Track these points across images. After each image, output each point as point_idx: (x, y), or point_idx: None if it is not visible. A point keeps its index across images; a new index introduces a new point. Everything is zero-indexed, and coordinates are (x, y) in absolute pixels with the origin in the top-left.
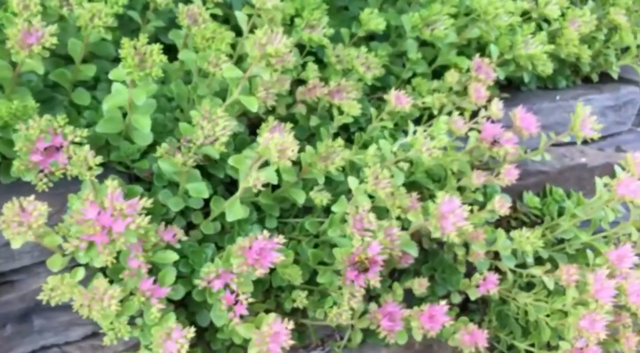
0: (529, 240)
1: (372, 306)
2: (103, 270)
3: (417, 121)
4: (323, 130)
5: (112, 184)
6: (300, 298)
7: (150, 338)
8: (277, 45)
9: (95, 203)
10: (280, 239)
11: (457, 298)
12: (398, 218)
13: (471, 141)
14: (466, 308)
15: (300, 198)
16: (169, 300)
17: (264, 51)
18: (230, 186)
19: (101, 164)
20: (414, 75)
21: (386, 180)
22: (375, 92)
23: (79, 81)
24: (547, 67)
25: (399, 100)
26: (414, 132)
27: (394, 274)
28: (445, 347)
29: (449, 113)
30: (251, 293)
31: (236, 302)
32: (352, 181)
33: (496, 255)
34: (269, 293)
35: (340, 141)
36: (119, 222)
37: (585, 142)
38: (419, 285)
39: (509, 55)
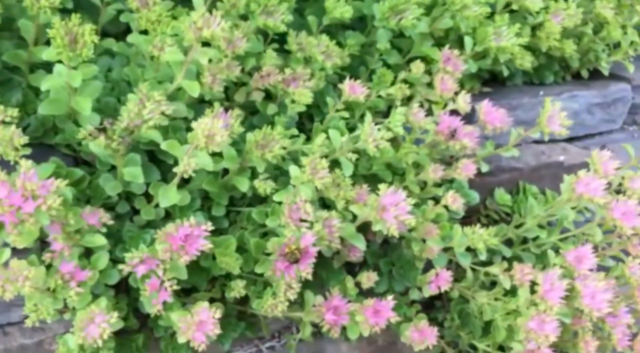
0: (481, 237)
1: (318, 299)
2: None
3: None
4: (278, 119)
5: (26, 164)
6: (238, 288)
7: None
8: (215, 29)
9: (7, 183)
10: (209, 226)
11: (415, 294)
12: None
13: (430, 134)
14: (432, 306)
15: (243, 186)
16: (109, 286)
17: (200, 34)
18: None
19: (48, 146)
20: (386, 66)
21: (325, 170)
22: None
23: (42, 63)
24: (525, 61)
25: (352, 89)
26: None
27: (354, 268)
28: None
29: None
30: (195, 281)
31: (161, 289)
32: (293, 170)
33: None
34: (214, 282)
35: (279, 129)
36: (29, 203)
37: (570, 139)
38: (367, 279)
39: (479, 47)
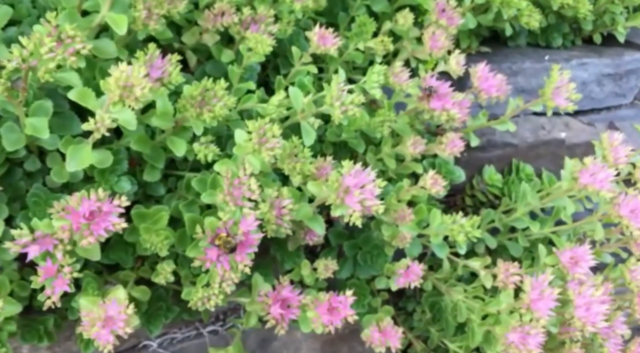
0: (463, 227)
1: (266, 287)
2: None
3: None
4: (232, 69)
5: None
6: (165, 272)
7: None
8: None
9: None
10: (122, 201)
11: (383, 284)
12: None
13: (412, 99)
14: (402, 294)
15: (179, 150)
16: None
17: None
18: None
19: None
20: (372, 15)
21: (276, 139)
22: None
23: None
24: (532, 19)
25: (323, 39)
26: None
27: (315, 249)
28: None
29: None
30: (119, 257)
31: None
32: (239, 135)
33: None
34: (144, 259)
35: (222, 83)
36: None
37: (574, 113)
38: (325, 268)
39: None
